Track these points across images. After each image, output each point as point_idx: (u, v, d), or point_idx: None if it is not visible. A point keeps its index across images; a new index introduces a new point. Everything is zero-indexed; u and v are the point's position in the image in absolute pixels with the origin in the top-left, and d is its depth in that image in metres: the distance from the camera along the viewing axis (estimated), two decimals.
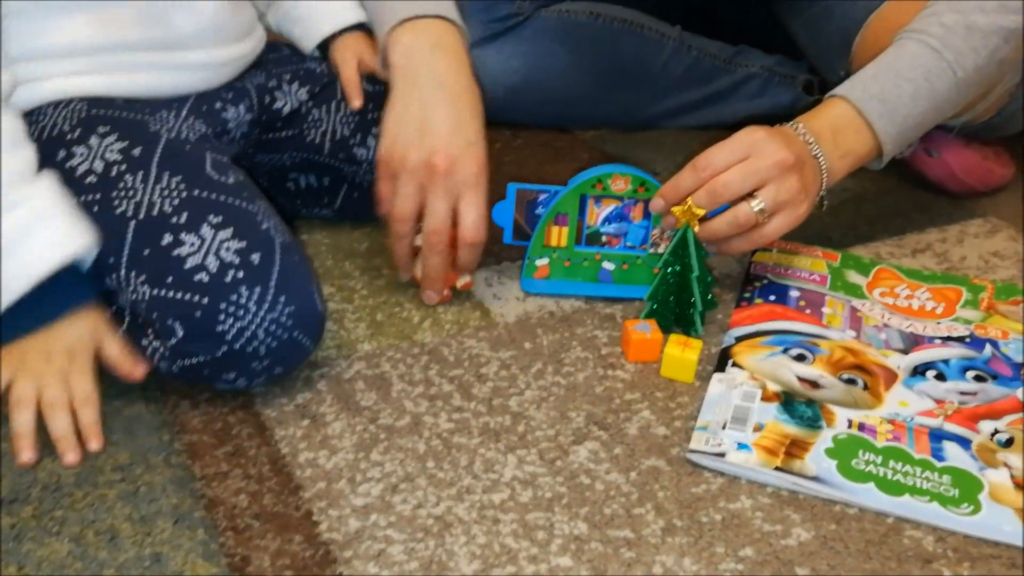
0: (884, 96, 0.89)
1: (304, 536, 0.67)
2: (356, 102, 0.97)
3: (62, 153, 0.79)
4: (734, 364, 0.83)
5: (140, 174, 0.78)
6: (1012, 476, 0.73)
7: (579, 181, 0.89)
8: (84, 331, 0.75)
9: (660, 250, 0.92)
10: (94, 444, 0.72)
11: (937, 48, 0.89)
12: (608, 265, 0.93)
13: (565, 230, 0.91)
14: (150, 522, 0.68)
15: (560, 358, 0.86)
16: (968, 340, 0.88)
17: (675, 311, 0.88)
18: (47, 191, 0.73)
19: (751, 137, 0.84)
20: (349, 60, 0.99)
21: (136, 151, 0.79)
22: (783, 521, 0.70)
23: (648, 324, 0.86)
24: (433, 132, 0.83)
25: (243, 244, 0.74)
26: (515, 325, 0.90)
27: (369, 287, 0.95)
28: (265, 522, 0.68)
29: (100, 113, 0.81)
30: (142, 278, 0.74)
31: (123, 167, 0.78)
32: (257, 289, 0.73)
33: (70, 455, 0.70)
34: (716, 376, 0.82)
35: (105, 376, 0.76)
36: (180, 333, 0.73)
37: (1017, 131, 1.15)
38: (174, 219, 0.75)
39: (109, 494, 0.70)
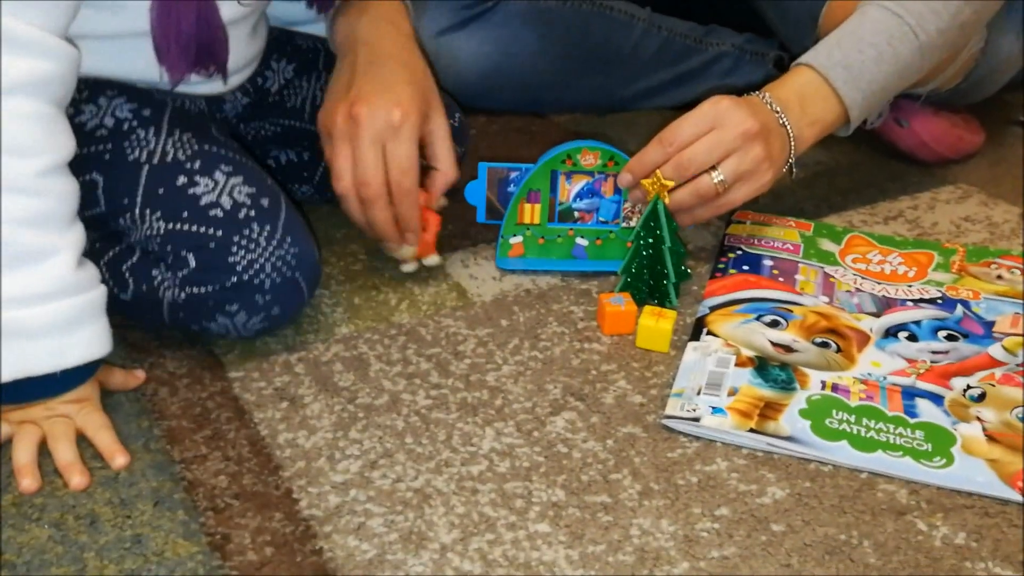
0: (848, 62, 0.89)
1: (284, 513, 0.68)
2: None
3: (70, 110, 0.79)
4: (708, 332, 0.84)
5: (152, 129, 0.82)
6: (984, 429, 0.74)
7: (549, 157, 0.90)
8: (87, 388, 0.74)
9: (633, 223, 0.92)
10: (120, 460, 0.71)
11: (899, 12, 0.90)
12: (582, 241, 0.93)
13: (538, 207, 0.92)
14: (130, 505, 0.68)
15: (537, 333, 0.86)
16: (940, 302, 0.89)
17: (649, 283, 0.89)
18: (100, 284, 0.73)
19: (716, 108, 0.85)
20: None
21: (146, 112, 0.83)
22: (758, 481, 0.70)
23: (622, 297, 0.86)
24: (358, 92, 0.84)
25: (253, 190, 0.80)
26: (492, 304, 0.91)
27: (346, 272, 0.95)
28: (245, 501, 0.68)
29: (108, 80, 0.83)
30: (157, 214, 0.78)
31: (134, 123, 0.82)
32: (267, 227, 0.78)
33: (76, 479, 0.70)
34: (691, 344, 0.83)
35: None
36: (193, 264, 0.77)
37: (985, 97, 1.16)
38: (188, 165, 0.80)
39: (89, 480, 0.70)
